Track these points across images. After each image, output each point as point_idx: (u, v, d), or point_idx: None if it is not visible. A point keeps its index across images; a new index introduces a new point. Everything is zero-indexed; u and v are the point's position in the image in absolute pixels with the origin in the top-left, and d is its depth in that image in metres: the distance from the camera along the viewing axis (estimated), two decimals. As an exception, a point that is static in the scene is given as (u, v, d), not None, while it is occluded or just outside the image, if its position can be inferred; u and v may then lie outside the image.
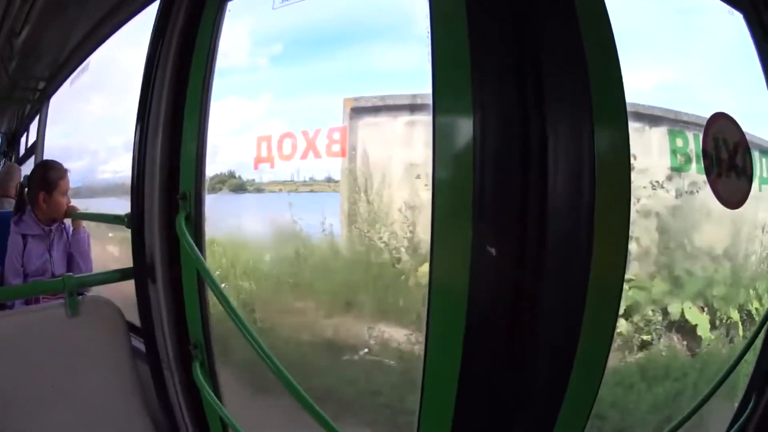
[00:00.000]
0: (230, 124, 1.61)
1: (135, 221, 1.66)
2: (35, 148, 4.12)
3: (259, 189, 1.56)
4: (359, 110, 1.45)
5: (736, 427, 1.82)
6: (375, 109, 1.45)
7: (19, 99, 4.54)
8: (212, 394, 1.57)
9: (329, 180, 1.46)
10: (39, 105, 4.17)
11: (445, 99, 1.24)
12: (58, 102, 3.99)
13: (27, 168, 4.04)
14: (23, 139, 4.61)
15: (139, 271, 1.69)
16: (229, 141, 1.64)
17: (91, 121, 3.61)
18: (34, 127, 4.29)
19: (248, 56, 1.71)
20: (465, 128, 1.20)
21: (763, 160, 1.81)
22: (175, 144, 1.60)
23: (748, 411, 1.82)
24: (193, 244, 1.45)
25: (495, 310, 1.22)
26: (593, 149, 1.21)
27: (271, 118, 1.54)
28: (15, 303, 2.31)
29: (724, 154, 1.64)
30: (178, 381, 1.72)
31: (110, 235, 3.02)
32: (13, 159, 4.72)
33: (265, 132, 1.44)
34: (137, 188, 1.66)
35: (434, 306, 1.24)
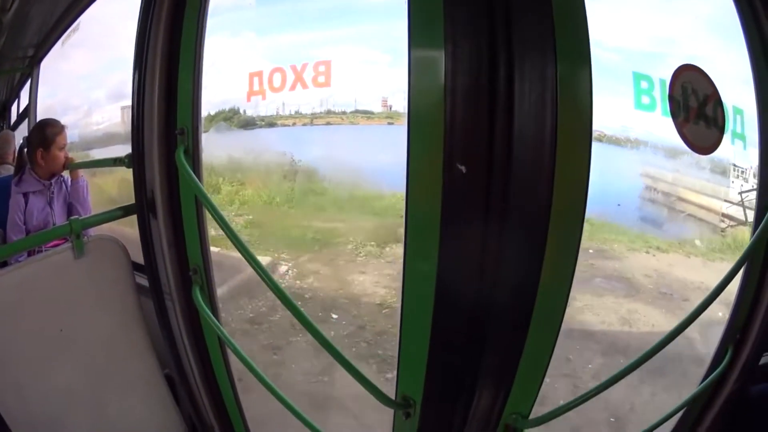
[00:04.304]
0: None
1: (135, 160, 1.78)
2: (28, 113, 4.18)
3: (271, 123, 1.64)
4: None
5: (710, 379, 1.90)
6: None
7: (9, 71, 4.58)
8: (211, 315, 1.70)
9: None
10: (29, 70, 4.21)
11: (419, 34, 1.35)
12: (46, 65, 4.06)
13: (20, 133, 4.11)
14: (14, 107, 4.64)
15: (141, 207, 1.81)
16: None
17: (73, 78, 3.71)
18: (24, 93, 4.34)
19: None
20: (437, 60, 1.31)
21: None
22: (172, 85, 1.70)
23: (724, 363, 1.89)
24: (193, 175, 1.58)
25: (465, 222, 1.37)
26: (556, 85, 1.32)
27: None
28: (18, 257, 2.40)
29: (693, 102, 1.72)
30: (179, 310, 1.86)
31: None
32: (5, 127, 4.75)
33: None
34: (137, 129, 1.77)
35: (411, 219, 1.40)
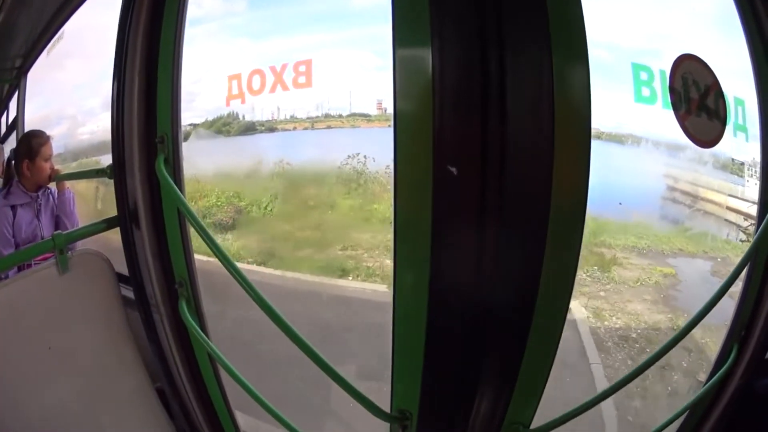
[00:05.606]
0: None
1: (116, 170, 1.73)
2: (16, 124, 4.13)
3: (271, 128, 1.58)
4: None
5: (717, 376, 1.90)
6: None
7: (-3, 84, 4.52)
8: (199, 330, 1.65)
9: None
10: (17, 81, 4.16)
11: (404, 30, 1.29)
12: (34, 75, 4.01)
13: (9, 145, 4.06)
14: (3, 119, 4.59)
15: (124, 219, 1.76)
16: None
17: (67, 88, 3.65)
18: (12, 105, 4.29)
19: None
20: (424, 58, 1.26)
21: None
22: (152, 92, 1.65)
23: (730, 361, 1.90)
24: (173, 185, 1.52)
25: (458, 225, 1.31)
26: (552, 81, 1.26)
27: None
28: (8, 273, 2.38)
29: (693, 93, 1.69)
30: (167, 323, 1.81)
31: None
32: (-6, 140, 4.69)
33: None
34: (117, 138, 1.71)
35: (399, 224, 1.33)
